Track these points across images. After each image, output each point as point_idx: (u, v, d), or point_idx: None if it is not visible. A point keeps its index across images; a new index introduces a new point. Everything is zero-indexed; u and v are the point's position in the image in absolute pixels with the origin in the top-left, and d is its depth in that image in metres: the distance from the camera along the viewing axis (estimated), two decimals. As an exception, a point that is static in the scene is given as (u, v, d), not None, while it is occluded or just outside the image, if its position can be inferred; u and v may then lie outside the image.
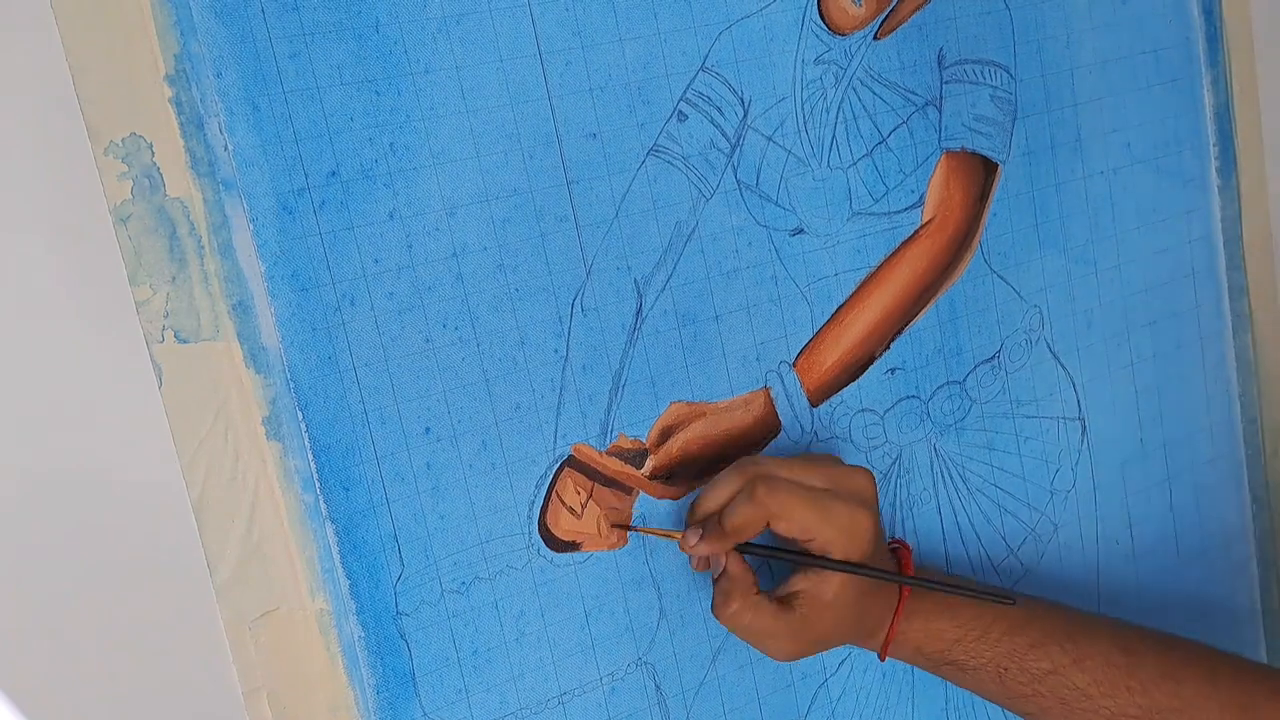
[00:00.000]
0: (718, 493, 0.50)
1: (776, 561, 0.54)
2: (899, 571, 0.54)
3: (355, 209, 0.46)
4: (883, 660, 0.54)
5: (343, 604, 0.47)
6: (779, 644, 0.51)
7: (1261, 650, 0.73)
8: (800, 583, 0.51)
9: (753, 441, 0.55)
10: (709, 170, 0.53)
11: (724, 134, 0.53)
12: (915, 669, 0.61)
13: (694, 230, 0.53)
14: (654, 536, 0.53)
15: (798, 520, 0.49)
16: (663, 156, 0.52)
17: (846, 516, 0.50)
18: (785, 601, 0.51)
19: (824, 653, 0.55)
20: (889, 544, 0.55)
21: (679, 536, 0.51)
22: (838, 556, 0.50)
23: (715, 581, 0.51)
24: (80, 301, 0.43)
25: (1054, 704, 0.53)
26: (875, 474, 0.59)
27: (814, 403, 0.57)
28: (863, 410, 0.58)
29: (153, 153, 0.42)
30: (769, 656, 0.52)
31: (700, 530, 0.50)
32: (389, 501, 0.48)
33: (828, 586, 0.50)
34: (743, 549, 0.50)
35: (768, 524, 0.49)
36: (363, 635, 0.47)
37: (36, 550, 0.43)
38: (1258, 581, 0.73)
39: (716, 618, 0.51)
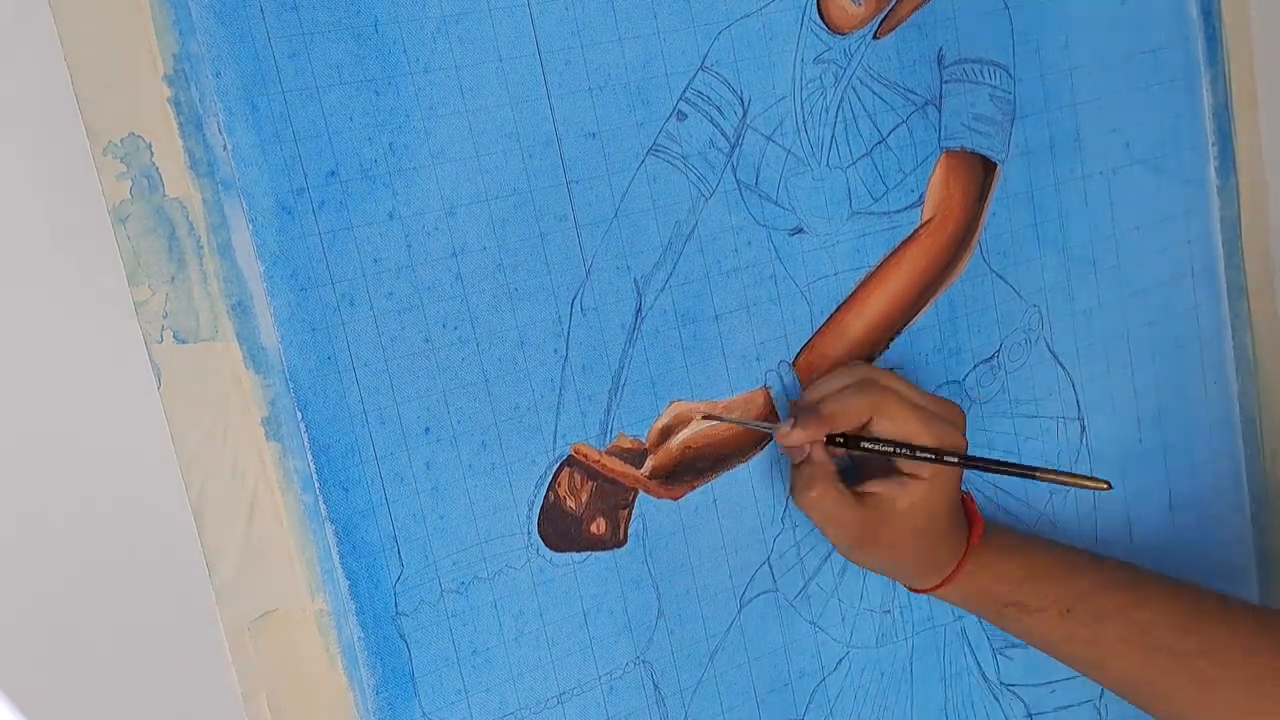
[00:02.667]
0: (827, 384, 0.52)
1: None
2: (969, 520, 0.55)
3: (355, 209, 0.46)
4: (936, 592, 0.55)
5: (342, 604, 0.47)
6: (845, 532, 0.51)
7: (1260, 649, 0.73)
8: (879, 485, 0.52)
9: (753, 441, 0.55)
10: (708, 170, 0.53)
11: (723, 133, 0.53)
12: (915, 669, 0.61)
13: (693, 230, 0.53)
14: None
15: (900, 422, 0.50)
16: (662, 156, 0.51)
17: (945, 434, 0.51)
18: (860, 498, 0.52)
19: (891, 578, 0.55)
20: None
21: (778, 427, 0.52)
22: (927, 470, 0.51)
23: (796, 467, 0.52)
24: (79, 302, 0.43)
25: (1115, 644, 0.54)
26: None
27: (813, 402, 0.56)
28: (862, 410, 0.58)
29: (151, 153, 0.42)
30: (832, 543, 0.53)
31: (794, 419, 0.51)
32: (388, 502, 0.47)
33: (904, 495, 0.51)
34: (840, 443, 0.51)
35: (869, 421, 0.50)
36: (362, 636, 0.47)
37: (35, 551, 0.43)
38: (1257, 581, 0.73)
39: (795, 500, 0.52)
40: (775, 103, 0.54)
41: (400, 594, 0.48)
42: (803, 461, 0.52)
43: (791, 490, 0.52)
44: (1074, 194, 0.62)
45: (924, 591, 0.56)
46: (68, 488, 0.43)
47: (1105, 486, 0.50)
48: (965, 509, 0.56)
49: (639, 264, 0.52)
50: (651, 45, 0.51)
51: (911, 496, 0.51)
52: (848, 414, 0.50)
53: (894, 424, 0.50)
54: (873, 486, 0.52)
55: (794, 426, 0.51)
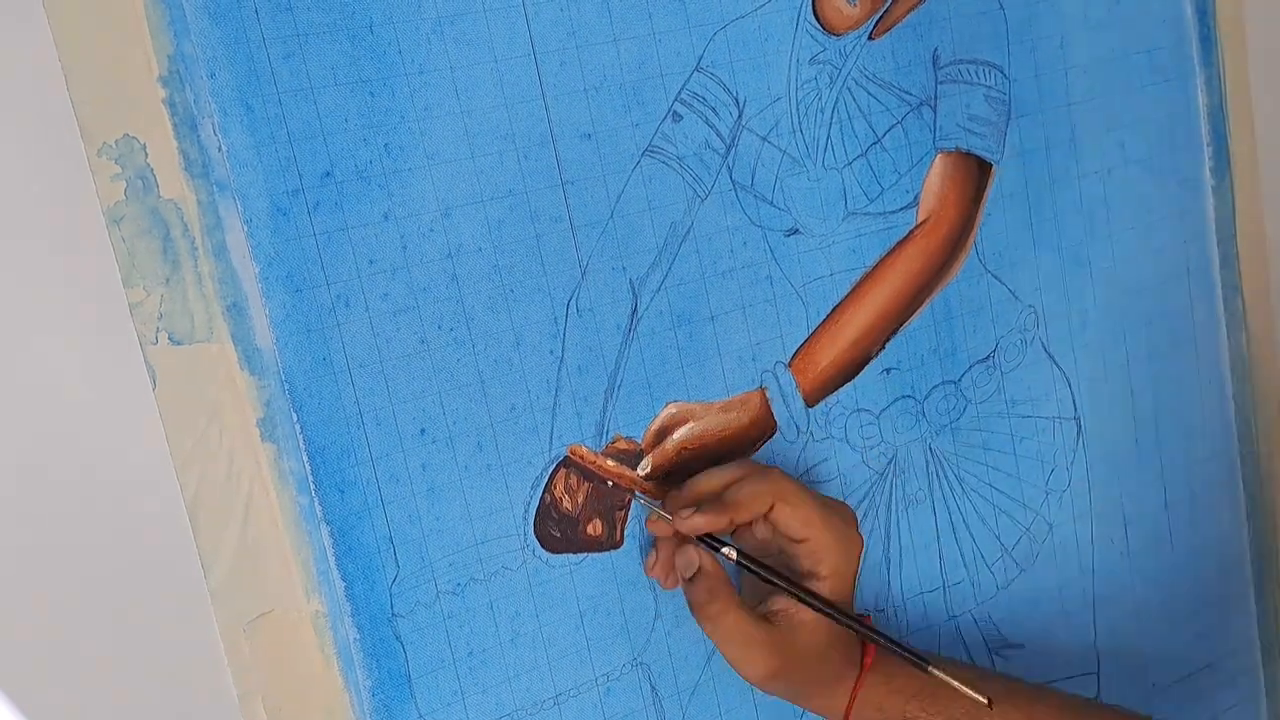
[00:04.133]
0: (720, 475, 0.50)
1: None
2: (860, 651, 0.53)
3: (350, 210, 0.46)
4: (847, 711, 0.52)
5: (338, 606, 0.47)
6: (756, 655, 0.49)
7: (1257, 650, 0.74)
8: (781, 601, 0.50)
9: (749, 441, 0.55)
10: (704, 170, 0.53)
11: (719, 134, 0.53)
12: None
13: (689, 230, 0.53)
14: (647, 508, 0.52)
15: (802, 512, 0.49)
16: (658, 157, 0.51)
17: (843, 528, 0.51)
18: (764, 617, 0.50)
19: (787, 700, 0.54)
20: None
21: (669, 515, 0.49)
22: (828, 565, 0.50)
23: (689, 582, 0.50)
24: (74, 303, 0.43)
25: None
26: (871, 473, 0.59)
27: (809, 403, 0.57)
28: (858, 410, 0.58)
29: (146, 154, 0.42)
30: (743, 673, 0.50)
31: (696, 507, 0.49)
32: (384, 503, 0.47)
33: (808, 611, 0.50)
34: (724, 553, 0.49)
35: (770, 510, 0.49)
36: (358, 637, 0.47)
37: (31, 552, 0.43)
38: (1252, 580, 0.73)
39: (699, 617, 0.49)
40: (770, 103, 0.54)
41: (396, 595, 0.48)
42: (695, 576, 0.49)
43: (693, 607, 0.49)
44: (1069, 194, 0.63)
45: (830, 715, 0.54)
46: (63, 489, 0.43)
47: (987, 705, 0.50)
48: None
49: (634, 265, 0.52)
50: (647, 46, 0.51)
51: (812, 611, 0.50)
52: (755, 499, 0.49)
53: (796, 511, 0.49)
54: (777, 603, 0.50)
55: (696, 512, 0.49)
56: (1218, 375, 0.70)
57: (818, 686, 0.52)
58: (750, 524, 0.51)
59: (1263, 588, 0.73)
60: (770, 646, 0.49)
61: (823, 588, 0.50)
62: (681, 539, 0.51)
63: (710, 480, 0.51)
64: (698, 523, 0.49)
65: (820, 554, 0.50)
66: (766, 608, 0.51)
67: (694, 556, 0.50)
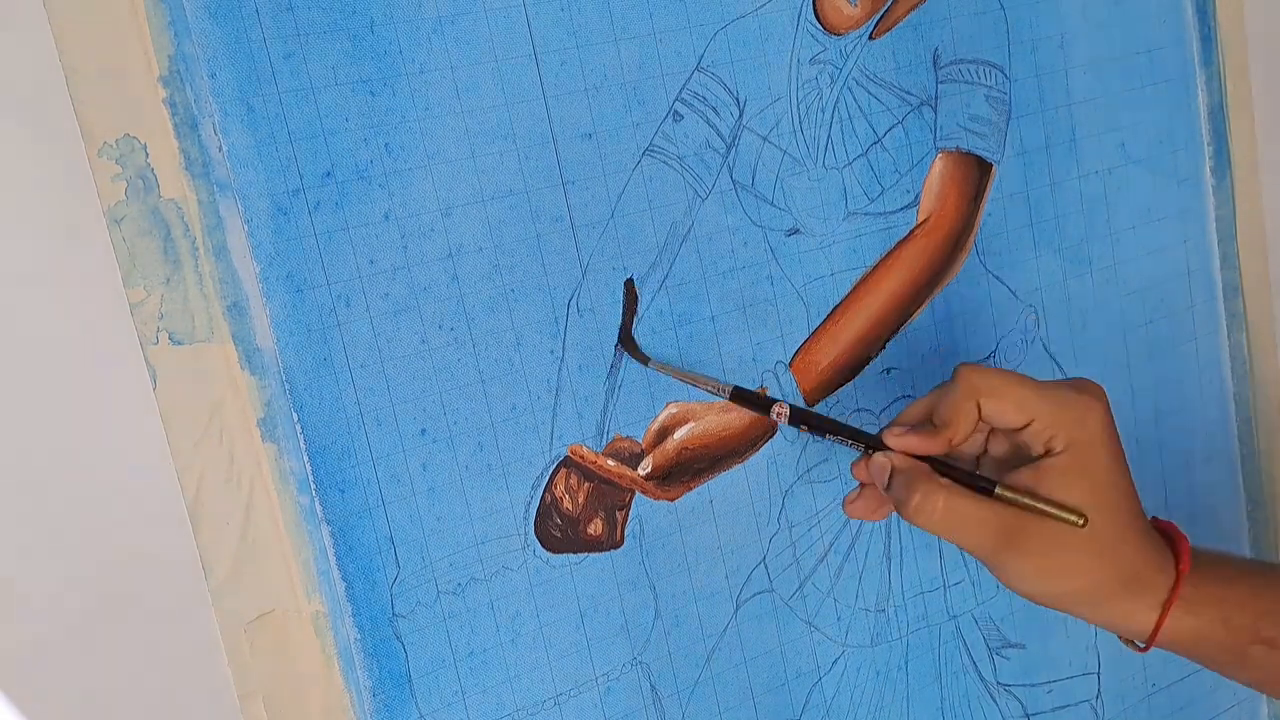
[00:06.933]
0: (921, 402, 0.46)
1: None
2: (1176, 565, 0.44)
3: (350, 210, 0.46)
4: (1160, 628, 0.44)
5: (338, 606, 0.47)
6: (980, 530, 0.43)
7: (1256, 649, 0.74)
8: (1022, 475, 0.43)
9: (749, 441, 0.55)
10: (704, 170, 0.53)
11: (719, 134, 0.53)
12: (910, 668, 0.61)
13: (689, 230, 0.53)
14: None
15: (1012, 397, 0.43)
16: (658, 157, 0.51)
17: (1072, 395, 0.44)
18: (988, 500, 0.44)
19: (1071, 612, 0.45)
20: (1154, 520, 0.47)
21: (878, 440, 0.45)
22: (1061, 439, 0.43)
23: (889, 489, 0.45)
24: (74, 303, 0.43)
25: None
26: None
27: (810, 403, 0.57)
28: (859, 410, 0.58)
29: (147, 154, 0.42)
30: (975, 554, 0.43)
31: (906, 428, 0.44)
32: (385, 503, 0.47)
33: (1043, 480, 0.42)
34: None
35: (980, 415, 0.44)
36: (359, 637, 0.47)
37: (31, 552, 0.43)
38: (1252, 580, 0.73)
39: (909, 516, 0.44)
40: (771, 103, 0.54)
41: (397, 595, 0.48)
42: (890, 478, 0.45)
43: (902, 510, 0.44)
44: (1070, 194, 0.62)
45: (1143, 642, 0.45)
46: (63, 490, 0.43)
47: (1080, 523, 0.43)
48: (1173, 545, 0.47)
49: (635, 265, 0.52)
50: (647, 46, 0.51)
51: (1052, 479, 0.43)
52: (957, 413, 0.44)
53: (1004, 400, 0.43)
54: (1007, 481, 0.44)
55: (909, 432, 0.45)
56: (1218, 375, 0.70)
57: (1105, 588, 0.44)
58: (984, 448, 0.46)
59: (1263, 588, 0.73)
60: (996, 522, 0.43)
61: (1061, 463, 0.44)
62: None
63: (914, 409, 0.46)
64: (910, 442, 0.45)
65: (1046, 431, 0.44)
66: (1007, 483, 0.45)
67: (882, 460, 0.45)
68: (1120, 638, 0.48)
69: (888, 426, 0.47)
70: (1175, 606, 0.44)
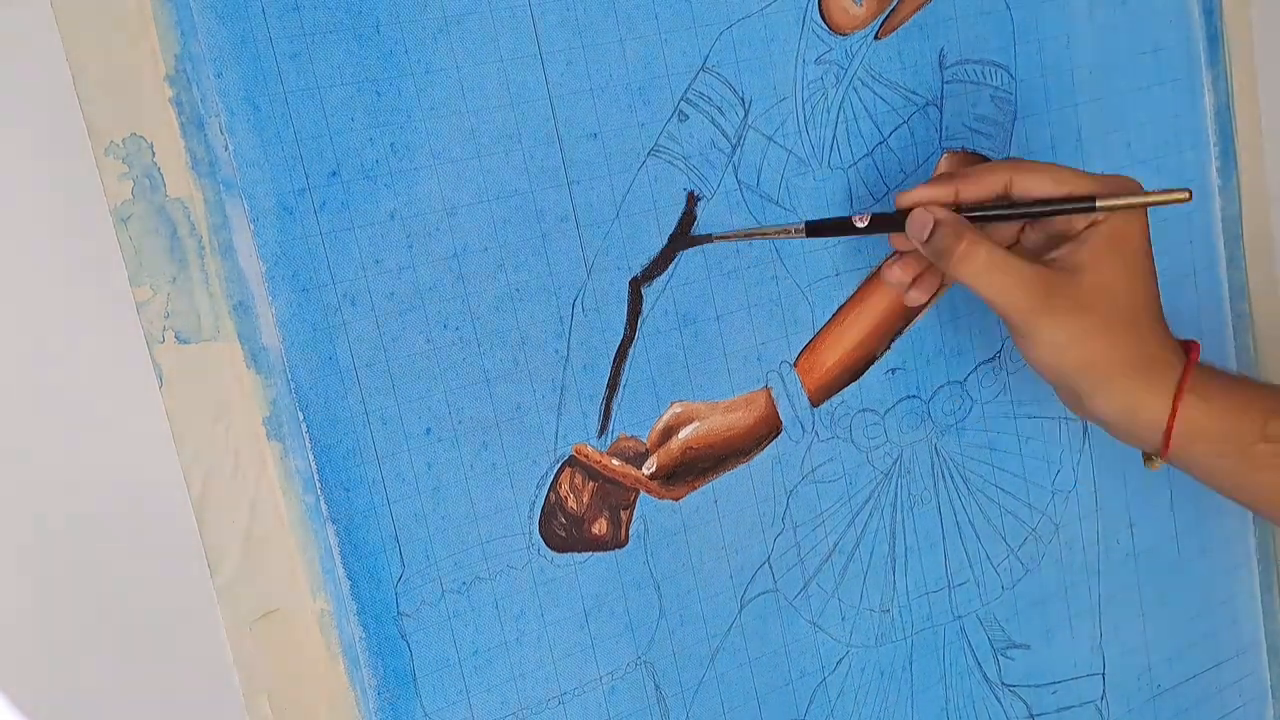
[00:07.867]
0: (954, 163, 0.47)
1: None
2: (1187, 355, 0.44)
3: (356, 209, 0.46)
4: (1166, 452, 0.44)
5: (343, 605, 0.47)
6: (1020, 288, 0.43)
7: (1263, 651, 0.73)
8: (1062, 249, 0.44)
9: (754, 440, 0.55)
10: (710, 170, 0.53)
11: (725, 134, 0.53)
12: (914, 669, 0.61)
13: (694, 230, 0.53)
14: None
15: (1048, 170, 0.44)
16: (663, 156, 0.51)
17: (1115, 178, 0.44)
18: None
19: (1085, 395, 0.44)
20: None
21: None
22: (1101, 219, 0.44)
23: (929, 242, 0.45)
24: (80, 302, 0.43)
25: None
26: (876, 473, 0.59)
27: (815, 402, 0.57)
28: (864, 410, 0.58)
29: (153, 153, 0.42)
30: (1008, 313, 0.44)
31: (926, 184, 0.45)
32: (390, 502, 0.48)
33: (1086, 250, 0.42)
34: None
35: (1009, 187, 0.45)
36: (363, 636, 0.47)
37: (37, 551, 0.43)
38: (1258, 581, 0.73)
39: (949, 266, 0.44)
40: (776, 103, 0.54)
41: (401, 594, 0.48)
42: (932, 231, 0.45)
43: (942, 259, 0.44)
44: (1075, 194, 0.62)
45: (1156, 446, 0.45)
46: (69, 488, 0.43)
47: (1186, 197, 0.43)
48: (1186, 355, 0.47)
49: (640, 264, 0.52)
50: (653, 46, 0.51)
51: (1094, 247, 0.43)
52: (981, 175, 0.44)
53: (1036, 172, 0.44)
54: (1052, 255, 0.44)
55: (920, 184, 0.45)
56: (1224, 376, 0.69)
57: (1124, 364, 0.44)
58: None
59: (1268, 588, 0.73)
60: (1036, 279, 0.43)
61: (1101, 232, 0.44)
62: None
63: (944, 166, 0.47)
64: (916, 193, 0.45)
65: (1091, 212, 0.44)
66: (1043, 257, 0.45)
67: (924, 215, 0.45)
68: (1137, 449, 0.47)
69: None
70: (1187, 392, 0.44)
